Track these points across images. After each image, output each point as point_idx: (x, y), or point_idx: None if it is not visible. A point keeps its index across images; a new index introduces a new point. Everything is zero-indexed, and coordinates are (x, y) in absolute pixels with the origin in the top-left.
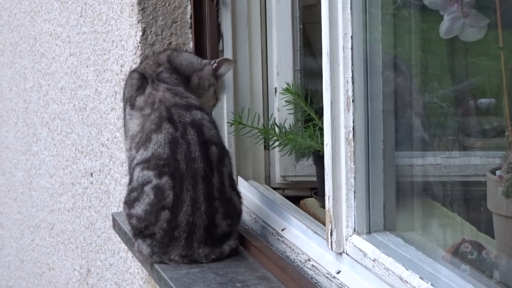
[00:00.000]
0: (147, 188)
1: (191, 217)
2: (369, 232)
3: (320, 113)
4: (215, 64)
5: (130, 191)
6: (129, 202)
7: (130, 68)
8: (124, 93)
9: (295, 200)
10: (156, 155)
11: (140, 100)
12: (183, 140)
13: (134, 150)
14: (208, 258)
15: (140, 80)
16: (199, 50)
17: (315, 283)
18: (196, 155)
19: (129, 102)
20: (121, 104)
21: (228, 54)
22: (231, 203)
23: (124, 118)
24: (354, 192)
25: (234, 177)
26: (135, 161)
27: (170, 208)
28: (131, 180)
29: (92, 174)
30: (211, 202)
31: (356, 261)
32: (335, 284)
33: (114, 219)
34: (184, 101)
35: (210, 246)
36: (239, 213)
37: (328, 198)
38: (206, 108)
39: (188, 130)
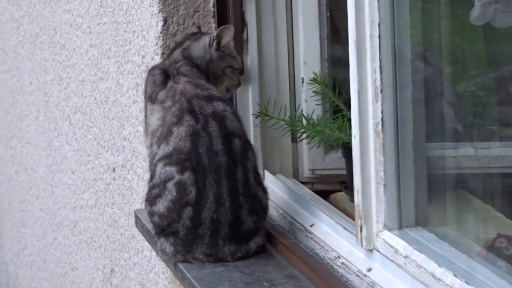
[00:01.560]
0: (170, 185)
1: (215, 214)
2: (400, 228)
3: (349, 103)
4: (214, 42)
5: (152, 188)
6: (151, 199)
7: (152, 59)
8: (145, 91)
9: (324, 194)
10: (178, 149)
11: (161, 94)
12: (204, 132)
13: (156, 146)
14: (234, 256)
15: (162, 75)
16: None
17: (345, 281)
18: (218, 148)
19: (151, 98)
20: (143, 98)
21: (252, 43)
22: (257, 198)
23: (145, 115)
24: (384, 186)
25: (260, 171)
26: (157, 157)
27: (193, 204)
28: (152, 177)
29: (114, 169)
30: (235, 197)
31: (387, 258)
32: (366, 282)
33: (136, 217)
34: (205, 92)
35: (236, 244)
36: (265, 208)
37: (357, 193)
38: (231, 92)
39: (209, 122)
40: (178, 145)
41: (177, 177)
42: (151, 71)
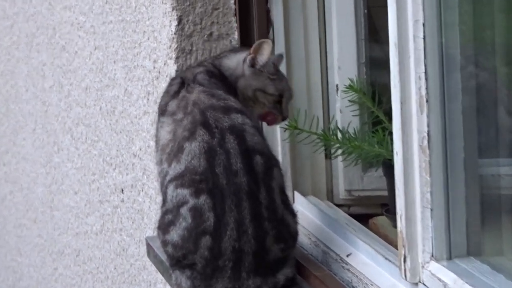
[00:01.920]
0: (184, 210)
1: (237, 243)
2: (449, 258)
3: (390, 114)
4: (249, 57)
5: (164, 213)
6: (163, 227)
7: (165, 64)
8: (160, 102)
9: (363, 218)
10: (191, 168)
11: (172, 105)
12: (221, 149)
13: (166, 164)
14: None
15: (180, 85)
16: (246, 42)
17: None
18: (237, 167)
19: (162, 109)
20: (155, 108)
21: (279, 45)
22: (284, 223)
23: (156, 129)
24: (431, 210)
25: (288, 192)
26: (168, 177)
27: (211, 232)
28: (164, 201)
29: (123, 190)
30: (259, 223)
31: None
32: None
33: (148, 245)
34: (222, 102)
35: (262, 276)
36: (294, 235)
37: (400, 218)
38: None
39: (226, 136)
40: (191, 164)
41: (192, 201)
42: (171, 80)
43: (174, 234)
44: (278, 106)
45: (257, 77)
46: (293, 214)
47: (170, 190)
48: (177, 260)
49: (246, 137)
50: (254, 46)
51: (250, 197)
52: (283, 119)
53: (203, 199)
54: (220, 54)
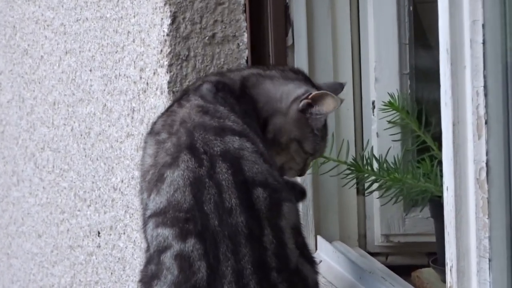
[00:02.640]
0: (167, 258)
1: None
2: None
3: (440, 139)
4: (305, 102)
5: (148, 262)
6: (146, 280)
7: (154, 73)
8: None
9: (404, 271)
10: (174, 203)
11: (159, 122)
12: (210, 181)
13: (146, 193)
14: None
15: (179, 98)
16: (257, 46)
17: None
18: (231, 204)
19: (151, 126)
20: (141, 129)
21: (301, 50)
22: (300, 274)
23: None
24: (489, 261)
25: (310, 238)
26: (148, 212)
27: None
28: (147, 244)
29: (99, 233)
30: (265, 274)
31: None
32: None
33: None
34: (215, 121)
35: None
36: None
37: (450, 270)
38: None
39: (217, 165)
40: (174, 198)
41: (176, 246)
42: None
43: None
44: (305, 162)
45: (300, 126)
46: (311, 261)
47: (149, 228)
48: None
49: (243, 166)
50: (316, 94)
51: (250, 241)
52: (300, 175)
53: (190, 243)
54: (266, 72)
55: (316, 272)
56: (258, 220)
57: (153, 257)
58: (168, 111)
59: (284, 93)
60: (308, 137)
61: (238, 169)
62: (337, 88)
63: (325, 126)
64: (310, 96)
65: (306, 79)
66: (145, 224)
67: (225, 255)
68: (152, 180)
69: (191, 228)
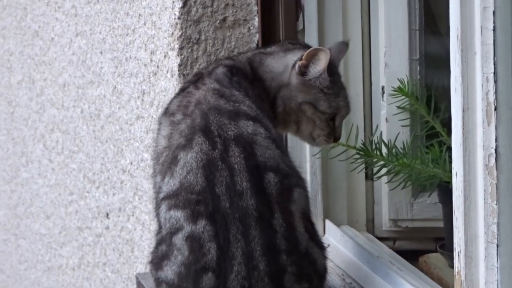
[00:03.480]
0: (178, 239)
1: (246, 281)
2: None
3: (449, 125)
4: (300, 63)
5: (158, 243)
6: (156, 261)
7: (165, 56)
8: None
9: (412, 256)
10: (186, 185)
11: (174, 103)
12: (223, 164)
13: (159, 177)
14: None
15: (193, 80)
16: (268, 30)
17: None
18: (243, 187)
19: (165, 107)
20: (151, 112)
21: (311, 35)
22: (309, 257)
23: (156, 132)
24: (497, 246)
25: (318, 221)
26: (161, 195)
27: (214, 269)
28: (159, 226)
29: (108, 214)
30: (274, 256)
31: None
32: None
33: (139, 284)
34: (230, 105)
35: None
36: (322, 273)
37: (458, 255)
38: (318, 145)
39: (231, 149)
40: (186, 180)
41: (187, 227)
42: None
43: (169, 271)
44: (331, 124)
45: (306, 89)
46: (320, 246)
47: (163, 211)
48: None
49: (256, 151)
50: (307, 52)
51: (260, 224)
52: (335, 140)
53: (201, 225)
54: (267, 49)
55: (325, 257)
56: (268, 204)
57: (165, 239)
58: (185, 91)
59: (284, 65)
60: (319, 97)
61: (250, 153)
62: (342, 47)
63: (334, 82)
64: (303, 57)
65: (305, 47)
66: (158, 206)
67: (235, 237)
68: (166, 162)
69: (202, 209)
